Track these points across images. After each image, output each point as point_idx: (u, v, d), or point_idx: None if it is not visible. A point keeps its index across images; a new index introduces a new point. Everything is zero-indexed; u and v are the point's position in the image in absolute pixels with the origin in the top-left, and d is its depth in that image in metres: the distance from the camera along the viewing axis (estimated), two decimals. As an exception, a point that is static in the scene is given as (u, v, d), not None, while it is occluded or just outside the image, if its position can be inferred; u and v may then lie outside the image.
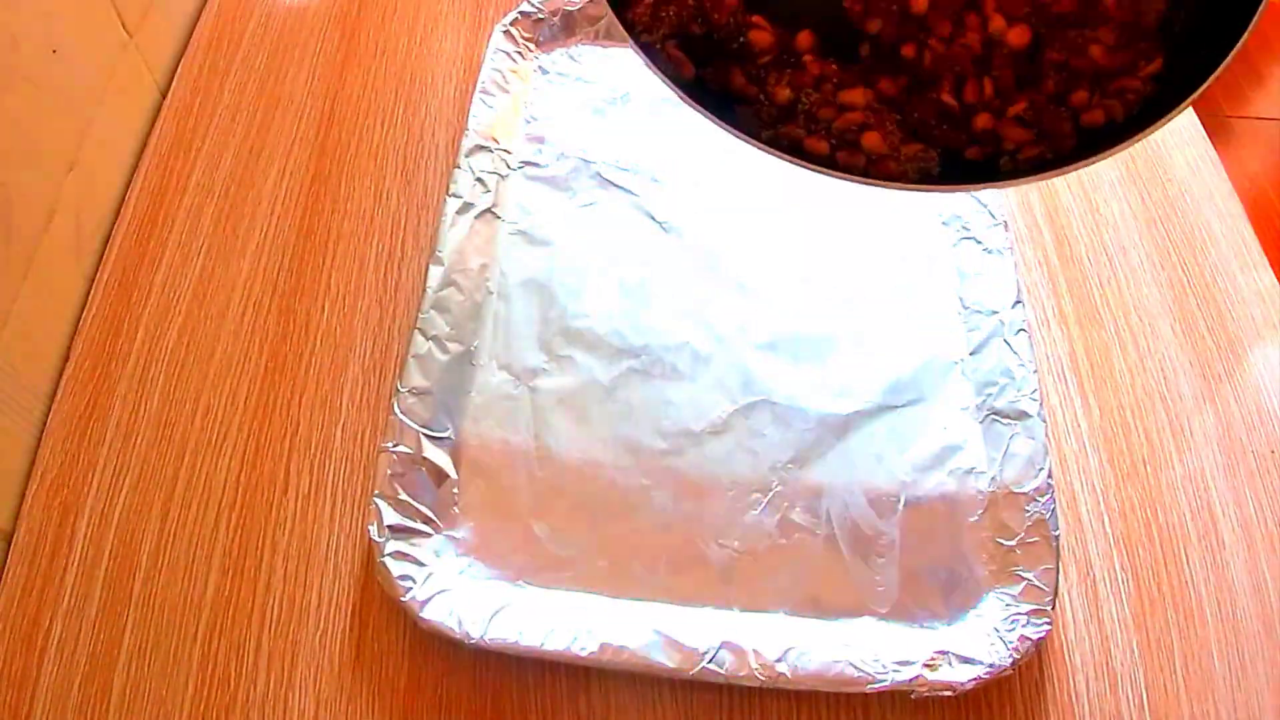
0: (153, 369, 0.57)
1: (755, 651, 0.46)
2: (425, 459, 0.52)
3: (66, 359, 0.57)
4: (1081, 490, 0.54)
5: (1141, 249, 0.64)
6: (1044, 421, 0.53)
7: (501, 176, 0.64)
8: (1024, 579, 0.49)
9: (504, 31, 0.69)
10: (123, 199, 0.63)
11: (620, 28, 0.42)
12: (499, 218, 0.62)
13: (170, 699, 0.47)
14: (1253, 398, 0.58)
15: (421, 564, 0.48)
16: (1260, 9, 0.36)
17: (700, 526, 0.51)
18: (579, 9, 0.71)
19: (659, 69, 0.41)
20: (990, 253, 0.61)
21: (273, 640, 0.49)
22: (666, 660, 0.46)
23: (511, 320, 0.58)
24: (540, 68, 0.70)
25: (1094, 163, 0.37)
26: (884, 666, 0.46)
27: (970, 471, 0.53)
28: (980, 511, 0.52)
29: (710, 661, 0.46)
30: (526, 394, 0.56)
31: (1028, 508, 0.51)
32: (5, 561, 0.51)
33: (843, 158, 0.41)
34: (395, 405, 0.52)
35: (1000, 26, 0.40)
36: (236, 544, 0.51)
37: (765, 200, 0.64)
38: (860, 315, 0.59)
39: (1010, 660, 0.46)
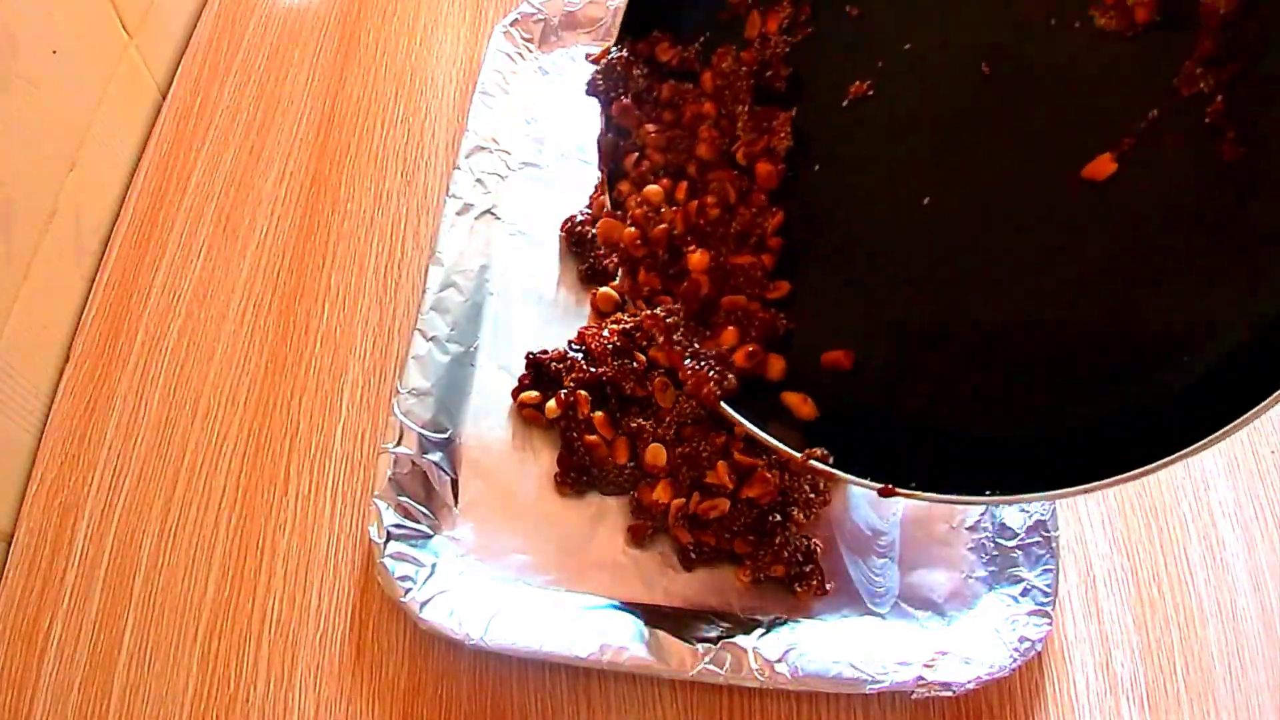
0: (153, 369, 0.57)
1: (755, 651, 0.46)
2: (425, 460, 0.52)
3: (66, 359, 0.57)
4: (1081, 490, 0.54)
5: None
6: (1044, 422, 0.53)
7: (501, 177, 0.64)
8: (1024, 579, 0.49)
9: (504, 32, 0.69)
10: (123, 199, 0.63)
11: None
12: (499, 219, 0.62)
13: (170, 699, 0.47)
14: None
15: (421, 564, 0.48)
16: None
17: (700, 527, 0.51)
18: (579, 9, 0.71)
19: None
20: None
21: (273, 641, 0.49)
22: (666, 660, 0.46)
23: (511, 322, 0.58)
24: (540, 68, 0.70)
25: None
26: (884, 666, 0.46)
27: (970, 472, 0.53)
28: (980, 512, 0.52)
29: (710, 661, 0.46)
30: (526, 394, 0.56)
31: (1028, 508, 0.51)
32: (5, 562, 0.51)
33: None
34: (395, 406, 0.52)
35: None
36: (236, 544, 0.51)
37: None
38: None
39: (1010, 660, 0.46)
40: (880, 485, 0.40)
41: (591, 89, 0.45)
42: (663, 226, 0.43)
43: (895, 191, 0.41)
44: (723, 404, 0.42)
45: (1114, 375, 0.38)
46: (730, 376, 0.42)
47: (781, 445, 0.41)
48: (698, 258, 0.43)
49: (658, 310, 0.43)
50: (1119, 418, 0.37)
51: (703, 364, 0.42)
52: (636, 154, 0.45)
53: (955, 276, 0.40)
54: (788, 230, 0.43)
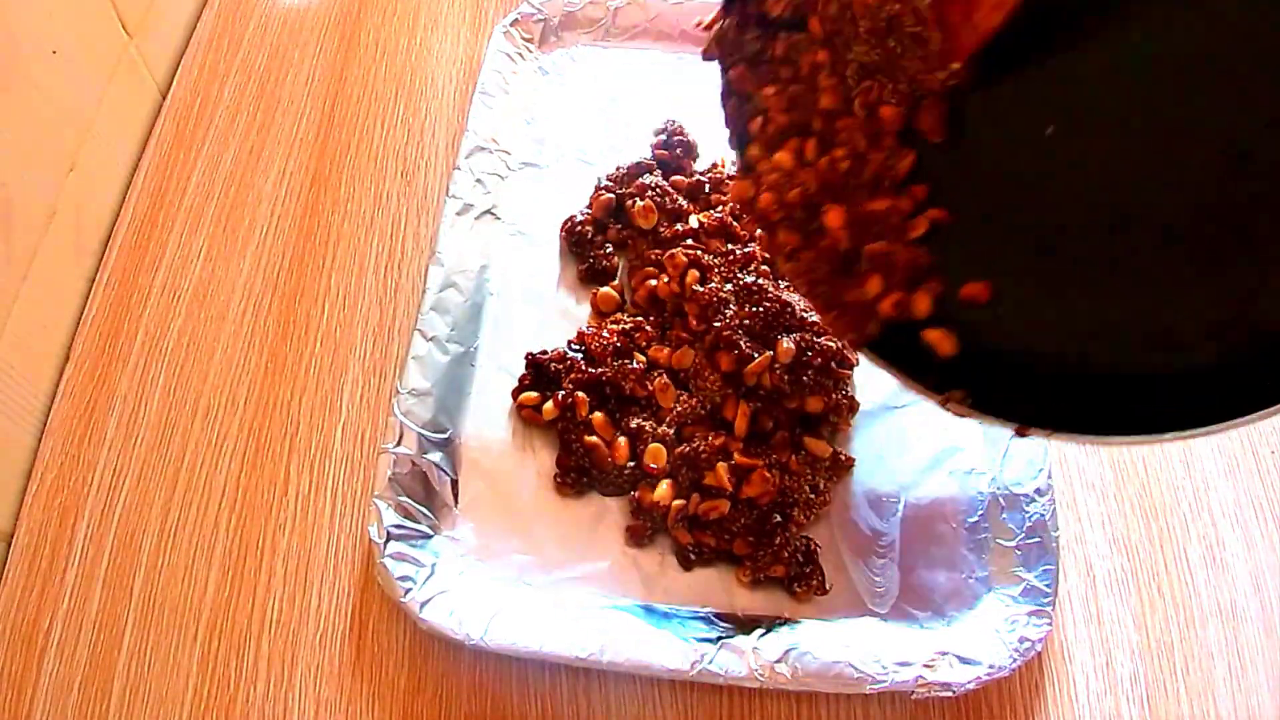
0: (153, 369, 0.57)
1: (755, 651, 0.46)
2: (425, 460, 0.52)
3: (66, 359, 0.57)
4: (1081, 490, 0.54)
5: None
6: (1044, 422, 0.53)
7: (501, 177, 0.64)
8: (1024, 579, 0.49)
9: (504, 32, 0.69)
10: (123, 199, 0.63)
11: None
12: (499, 219, 0.62)
13: (170, 699, 0.47)
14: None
15: (421, 565, 0.48)
16: None
17: (700, 527, 0.51)
18: (579, 9, 0.71)
19: None
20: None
21: (273, 641, 0.49)
22: (666, 660, 0.46)
23: (511, 322, 0.58)
24: (540, 68, 0.70)
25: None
26: (884, 667, 0.46)
27: (970, 472, 0.53)
28: (980, 512, 0.52)
29: (710, 662, 0.46)
30: (526, 394, 0.56)
31: (1028, 508, 0.51)
32: (5, 562, 0.51)
33: None
34: (395, 406, 0.52)
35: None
36: (236, 544, 0.51)
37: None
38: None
39: (1010, 661, 0.46)
40: (1015, 425, 0.39)
41: (707, 55, 0.45)
42: (796, 190, 0.43)
43: (1030, 120, 0.41)
44: (865, 349, 0.42)
45: (1244, 315, 0.37)
46: (871, 325, 0.42)
47: (923, 388, 0.41)
48: (833, 216, 0.42)
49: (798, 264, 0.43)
50: (1253, 356, 0.37)
51: (845, 314, 0.42)
52: (760, 117, 0.45)
53: (1087, 200, 0.40)
54: (923, 169, 0.42)
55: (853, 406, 0.54)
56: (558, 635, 0.46)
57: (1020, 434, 0.40)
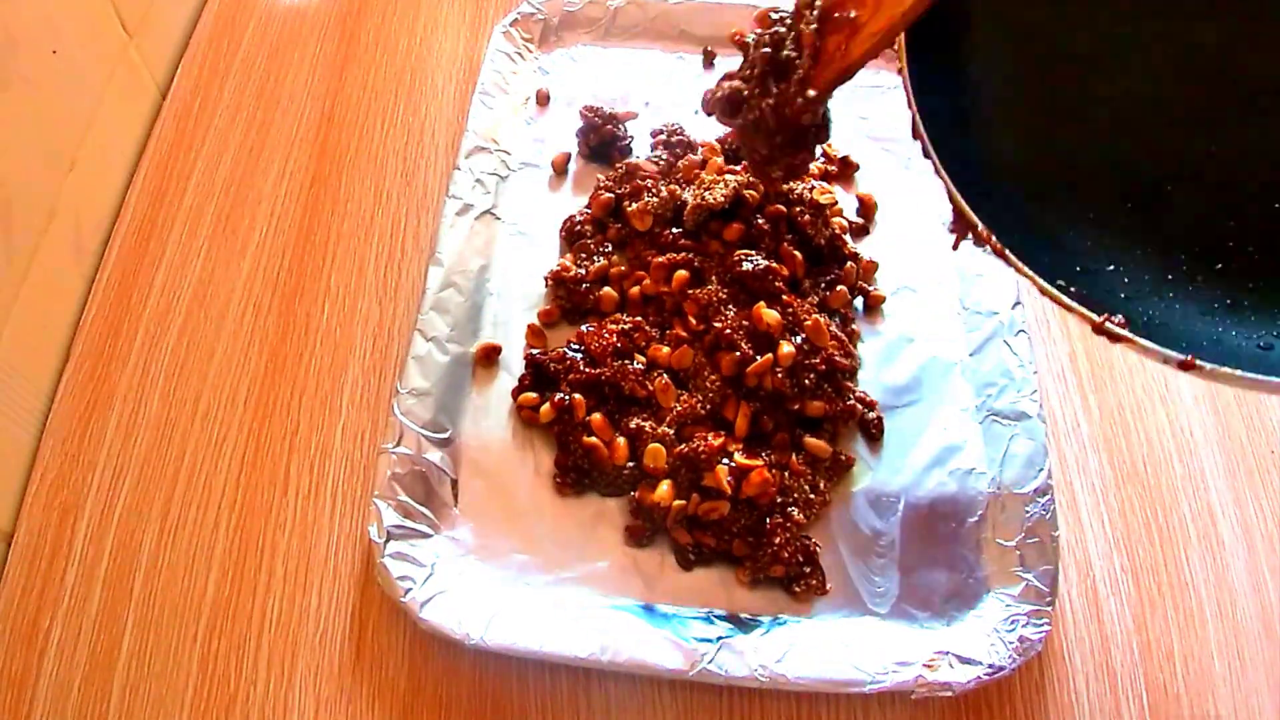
0: (153, 369, 0.57)
1: (755, 651, 0.46)
2: (425, 460, 0.52)
3: (66, 359, 0.57)
4: (1081, 490, 0.54)
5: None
6: (1044, 422, 0.53)
7: (501, 178, 0.64)
8: (1024, 579, 0.49)
9: (504, 32, 0.69)
10: (123, 199, 0.63)
11: None
12: (499, 219, 0.62)
13: (170, 699, 0.47)
14: (1253, 398, 0.58)
15: (421, 565, 0.48)
16: None
17: (700, 527, 0.51)
18: (579, 9, 0.71)
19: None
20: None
21: (273, 640, 0.49)
22: (666, 660, 0.46)
23: (511, 322, 0.58)
24: (540, 68, 0.70)
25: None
26: (884, 666, 0.46)
27: (970, 472, 0.53)
28: (980, 512, 0.52)
29: (710, 662, 0.46)
30: (526, 394, 0.56)
31: (1028, 508, 0.51)
32: (5, 561, 0.51)
33: None
34: (395, 406, 0.52)
35: None
36: (236, 544, 0.51)
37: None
38: (860, 317, 0.59)
39: (1010, 661, 0.46)
40: (1181, 356, 0.37)
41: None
42: None
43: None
44: (1009, 253, 0.40)
45: None
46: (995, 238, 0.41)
47: (1078, 306, 0.39)
48: None
49: None
50: None
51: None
52: None
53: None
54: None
55: (854, 414, 0.54)
56: (558, 635, 0.46)
57: (1183, 367, 0.37)
